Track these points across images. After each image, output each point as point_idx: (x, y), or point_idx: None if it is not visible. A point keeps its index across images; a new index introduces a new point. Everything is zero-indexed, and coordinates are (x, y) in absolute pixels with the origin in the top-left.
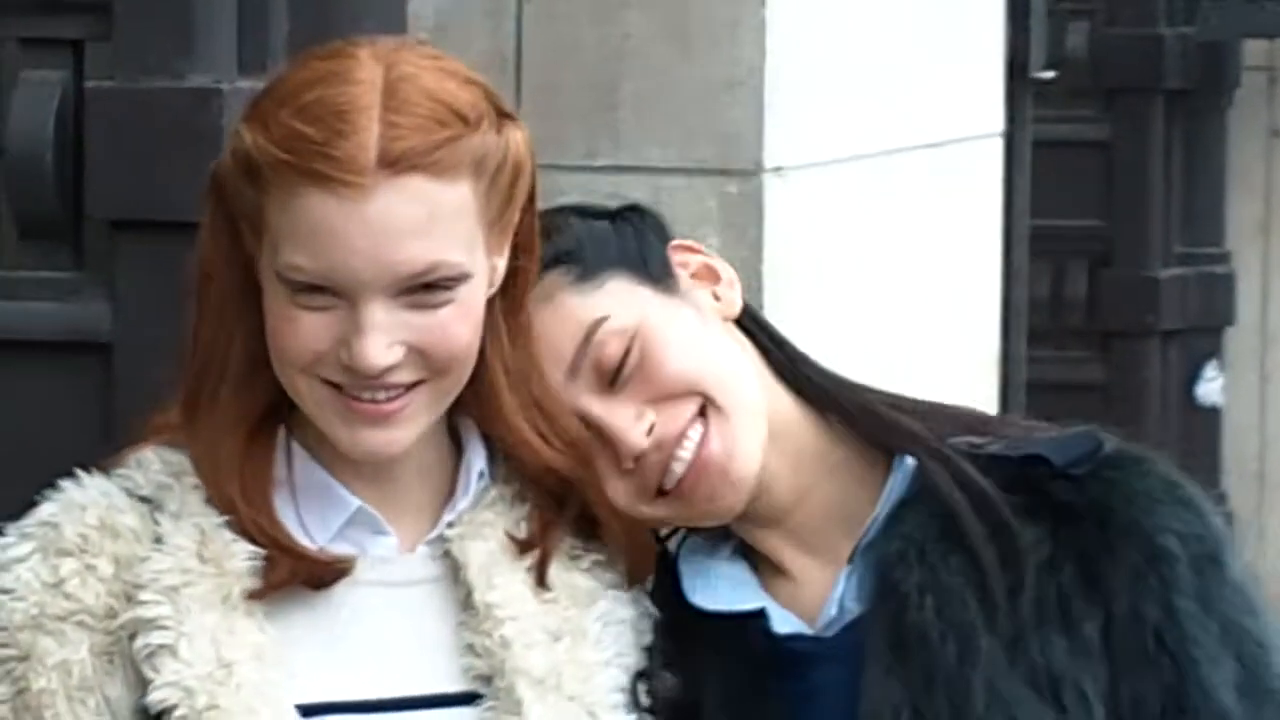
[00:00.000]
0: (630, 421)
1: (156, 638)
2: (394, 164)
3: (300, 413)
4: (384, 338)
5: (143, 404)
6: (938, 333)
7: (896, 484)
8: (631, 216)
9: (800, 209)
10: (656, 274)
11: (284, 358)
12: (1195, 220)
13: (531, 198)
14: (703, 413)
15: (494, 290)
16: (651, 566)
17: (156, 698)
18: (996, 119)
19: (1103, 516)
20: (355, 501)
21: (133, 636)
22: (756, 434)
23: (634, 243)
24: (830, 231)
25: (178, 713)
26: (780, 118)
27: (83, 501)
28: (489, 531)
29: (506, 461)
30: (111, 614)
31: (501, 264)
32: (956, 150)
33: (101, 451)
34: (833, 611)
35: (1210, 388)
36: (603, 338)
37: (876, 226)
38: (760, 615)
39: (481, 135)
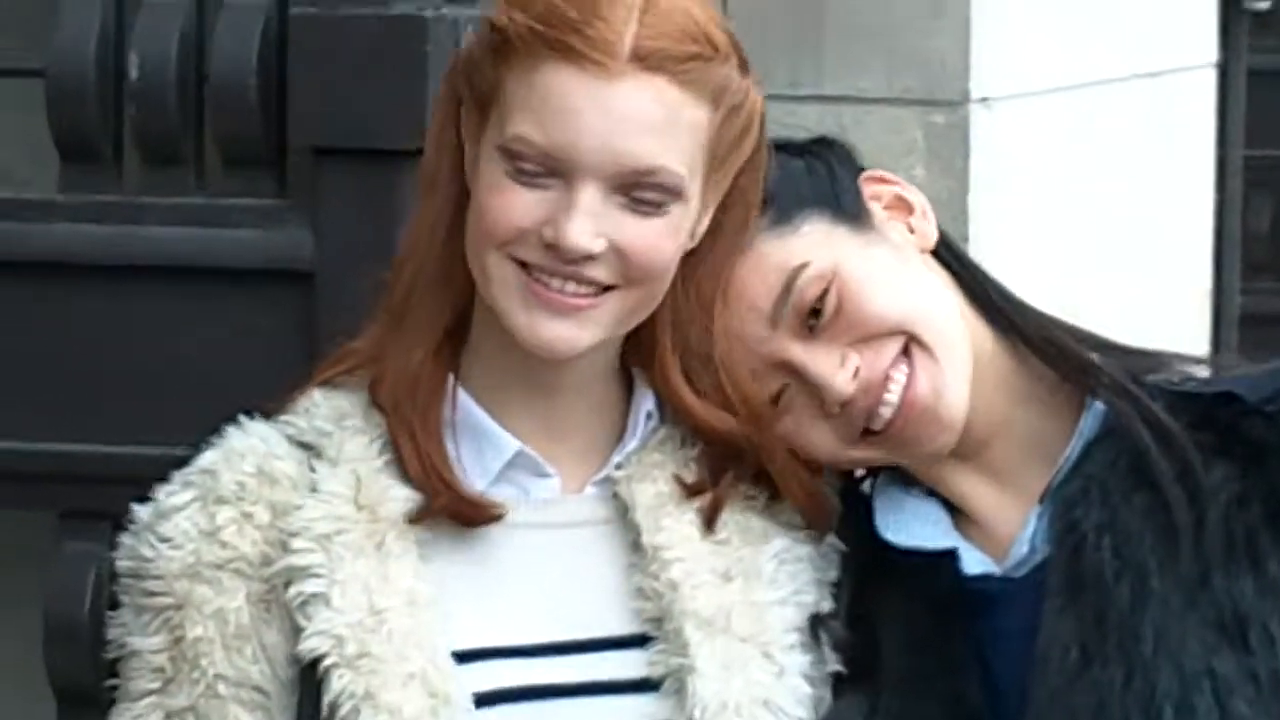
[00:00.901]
0: (834, 367)
1: (310, 586)
2: (645, 59)
3: (470, 355)
4: (591, 224)
5: (344, 332)
6: (1149, 265)
7: (1088, 423)
8: (823, 152)
9: (1008, 140)
10: (851, 211)
11: (485, 230)
12: None
13: (752, 163)
14: (906, 351)
15: (693, 243)
16: (832, 522)
17: (307, 646)
18: (1210, 49)
19: None
20: (515, 444)
21: (287, 584)
22: (964, 370)
23: (827, 180)
24: (1038, 163)
25: (328, 660)
26: (987, 47)
27: (241, 449)
28: (657, 473)
29: (678, 407)
30: (267, 561)
31: (706, 218)
32: (1169, 81)
33: (305, 382)
34: (1023, 550)
35: None
36: (803, 284)
37: (1085, 158)
38: (952, 555)
39: (728, 68)
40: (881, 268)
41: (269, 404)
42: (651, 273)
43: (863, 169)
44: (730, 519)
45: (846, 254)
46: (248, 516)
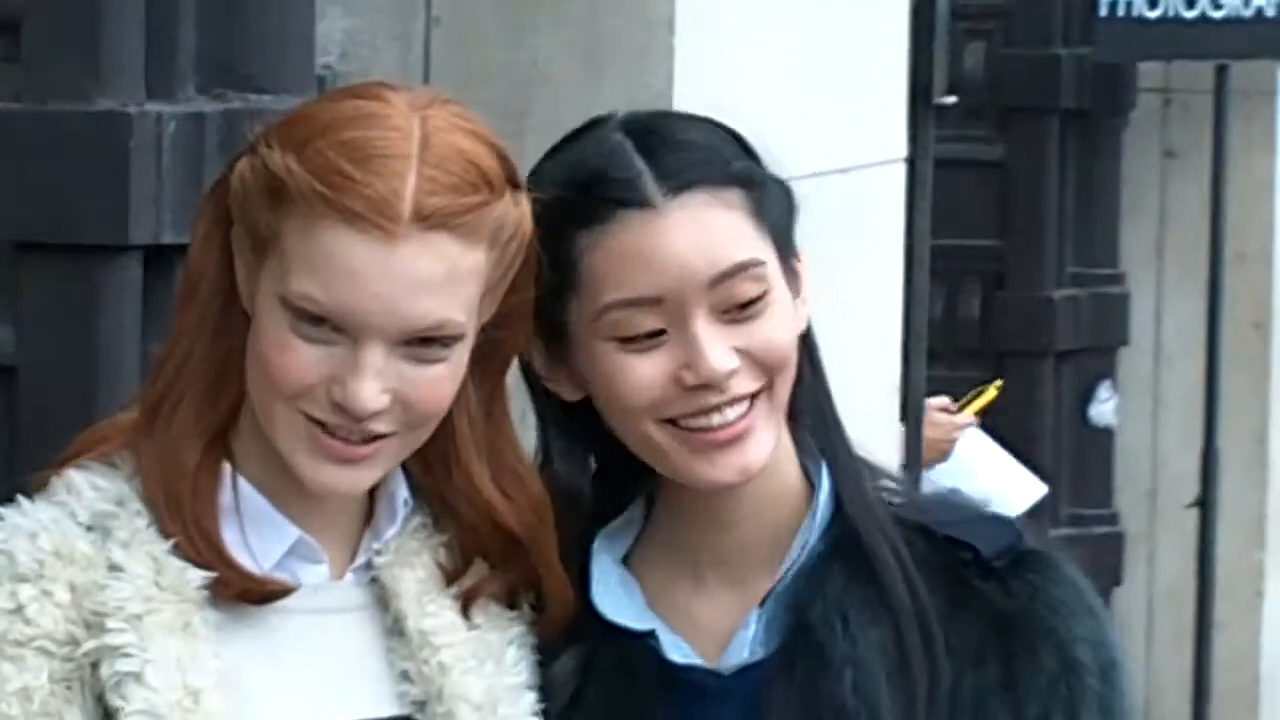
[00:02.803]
0: (724, 352)
1: (122, 665)
2: (426, 219)
3: (242, 443)
4: (378, 383)
5: (46, 429)
6: (841, 357)
7: (812, 533)
8: (792, 195)
9: None
10: (789, 260)
11: (271, 384)
12: (1090, 241)
13: (524, 265)
14: (754, 396)
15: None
16: (569, 619)
17: None
18: (900, 144)
19: (1027, 622)
20: (296, 532)
21: (95, 665)
22: (775, 440)
23: (787, 222)
24: None
25: None
26: None
27: (31, 528)
28: (415, 560)
29: (432, 496)
30: (72, 641)
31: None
32: (861, 176)
33: (4, 476)
34: (744, 654)
35: (1103, 409)
36: (753, 277)
37: None
38: (650, 636)
39: (503, 205)
40: (789, 315)
41: (23, 484)
42: (433, 415)
43: None
44: (479, 604)
45: (780, 284)
46: (48, 595)
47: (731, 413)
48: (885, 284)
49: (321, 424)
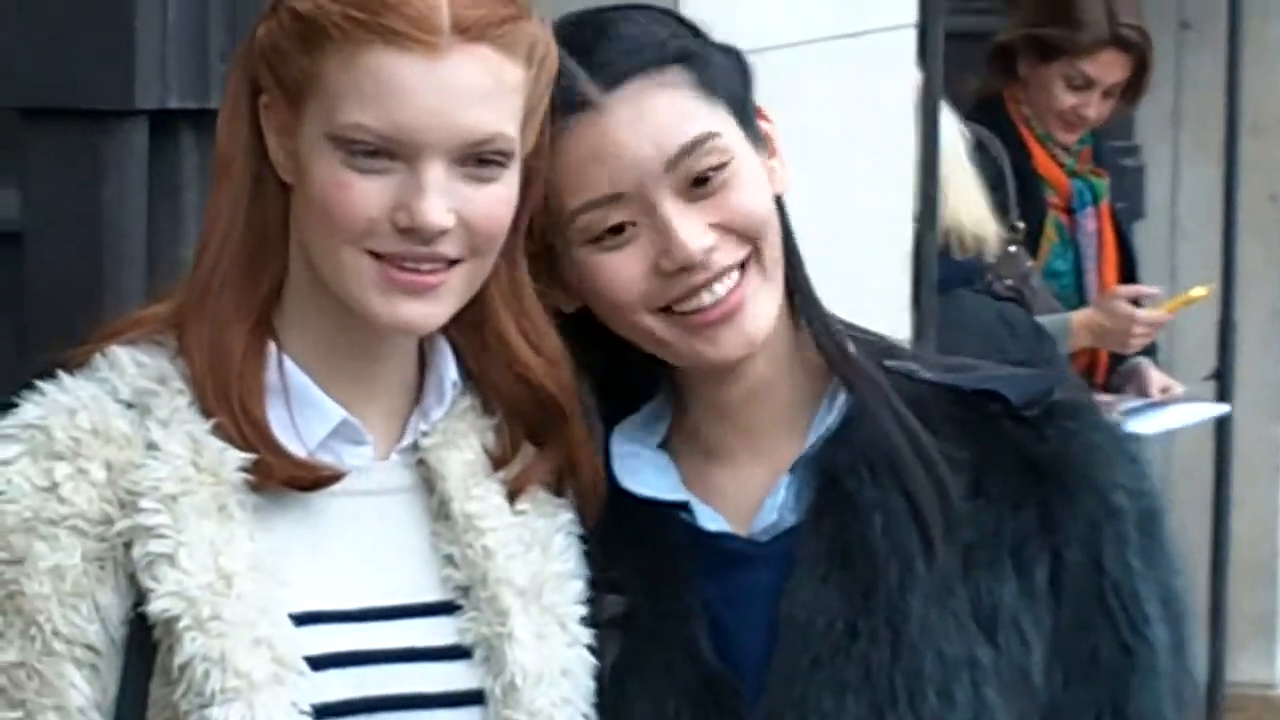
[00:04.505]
0: (697, 231)
1: (155, 546)
2: (467, 30)
3: (287, 322)
4: (443, 199)
5: (52, 292)
6: (853, 224)
7: (834, 411)
8: (743, 61)
9: None
10: (752, 122)
11: (333, 227)
12: None
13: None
14: (744, 264)
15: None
16: (603, 500)
17: (159, 607)
18: (910, 9)
19: (1063, 466)
20: (340, 413)
21: (129, 544)
22: (777, 300)
23: (741, 85)
24: None
25: (181, 623)
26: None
27: (71, 405)
28: (463, 442)
29: (474, 374)
30: (106, 520)
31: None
32: (869, 41)
33: (12, 338)
34: (772, 517)
35: None
36: (708, 149)
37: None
38: (684, 507)
39: (533, 23)
40: (761, 179)
41: (65, 357)
42: (496, 239)
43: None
44: (526, 490)
45: (744, 150)
46: (83, 473)
47: (720, 287)
48: (896, 150)
49: (390, 257)
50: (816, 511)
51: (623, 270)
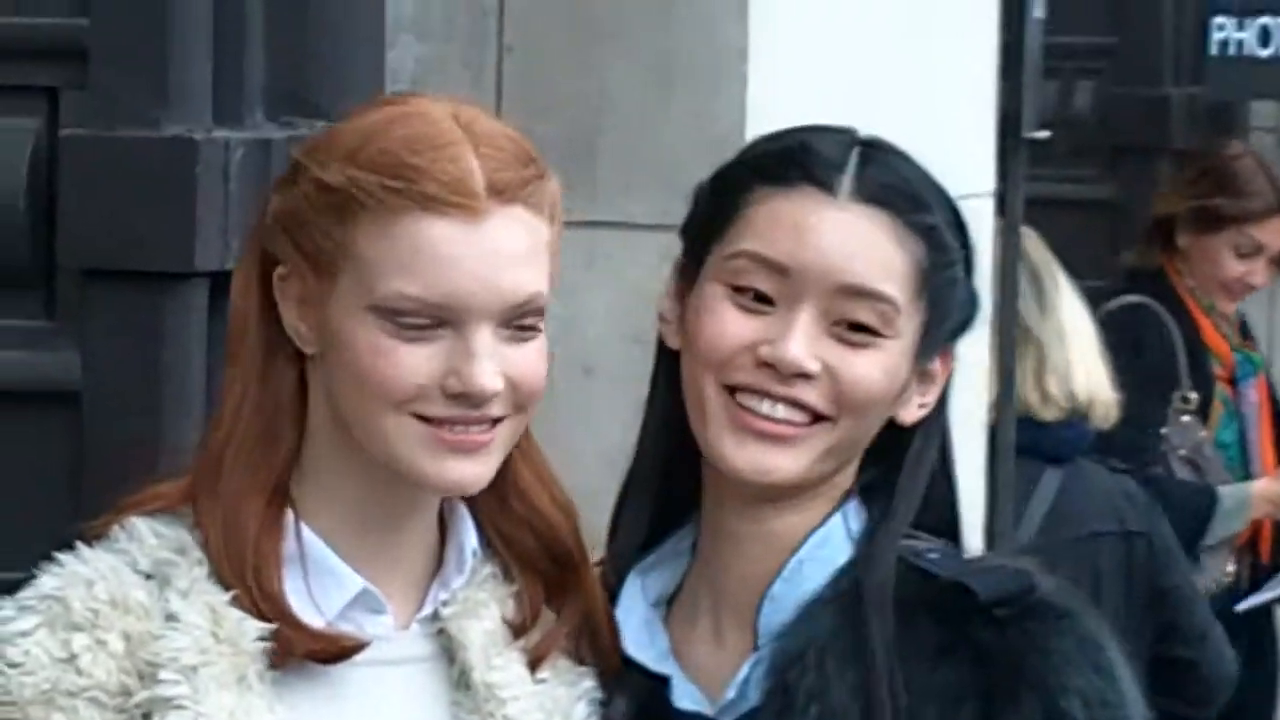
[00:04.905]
0: (810, 354)
1: (175, 718)
2: (502, 192)
3: (304, 489)
4: (492, 363)
5: (111, 455)
6: None
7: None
8: (974, 309)
9: None
10: (928, 350)
11: (377, 396)
12: None
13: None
14: (817, 418)
15: None
16: (618, 660)
17: None
18: (988, 178)
19: (1014, 666)
20: (360, 583)
21: (147, 715)
22: (805, 470)
23: (946, 317)
24: None
25: None
26: None
27: (89, 576)
28: (484, 611)
29: (493, 540)
30: (125, 691)
31: None
32: None
33: (69, 503)
34: (731, 695)
35: None
36: (882, 311)
37: None
38: (665, 681)
39: (553, 181)
40: (895, 379)
41: (84, 529)
42: (538, 395)
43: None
44: (548, 659)
45: (904, 350)
46: (102, 644)
47: (782, 410)
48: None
49: (438, 420)
50: (766, 700)
51: (733, 327)
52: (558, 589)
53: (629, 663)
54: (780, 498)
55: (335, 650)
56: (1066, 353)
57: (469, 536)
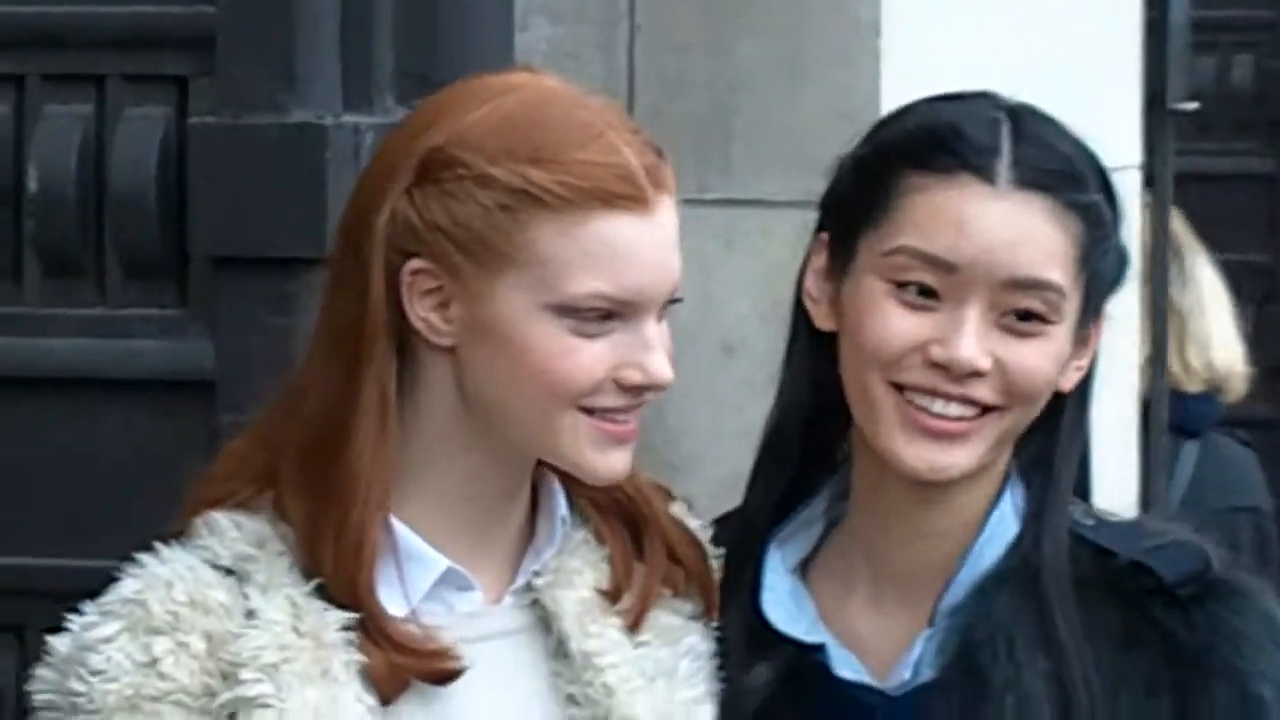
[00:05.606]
0: (981, 350)
1: (260, 716)
2: (661, 184)
3: (400, 479)
4: (663, 352)
5: None
6: None
7: (987, 551)
8: (1123, 270)
9: None
10: (1087, 321)
11: (560, 390)
12: None
13: None
14: (986, 410)
15: None
16: (716, 597)
17: None
18: (1134, 150)
19: (1203, 653)
20: (444, 562)
21: (232, 716)
22: (977, 464)
23: (1107, 287)
24: None
25: None
26: None
27: (168, 577)
28: (578, 579)
29: (583, 506)
30: (209, 692)
31: None
32: None
33: None
34: (906, 675)
35: None
36: (1049, 299)
37: None
38: (820, 649)
39: (669, 163)
40: (1059, 361)
41: (167, 529)
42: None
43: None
44: (647, 617)
45: (1067, 331)
46: (184, 646)
47: (955, 409)
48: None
49: (602, 412)
50: (949, 679)
51: (899, 326)
52: (635, 535)
53: (768, 629)
54: (950, 484)
55: (440, 670)
56: (1206, 324)
57: (559, 506)
